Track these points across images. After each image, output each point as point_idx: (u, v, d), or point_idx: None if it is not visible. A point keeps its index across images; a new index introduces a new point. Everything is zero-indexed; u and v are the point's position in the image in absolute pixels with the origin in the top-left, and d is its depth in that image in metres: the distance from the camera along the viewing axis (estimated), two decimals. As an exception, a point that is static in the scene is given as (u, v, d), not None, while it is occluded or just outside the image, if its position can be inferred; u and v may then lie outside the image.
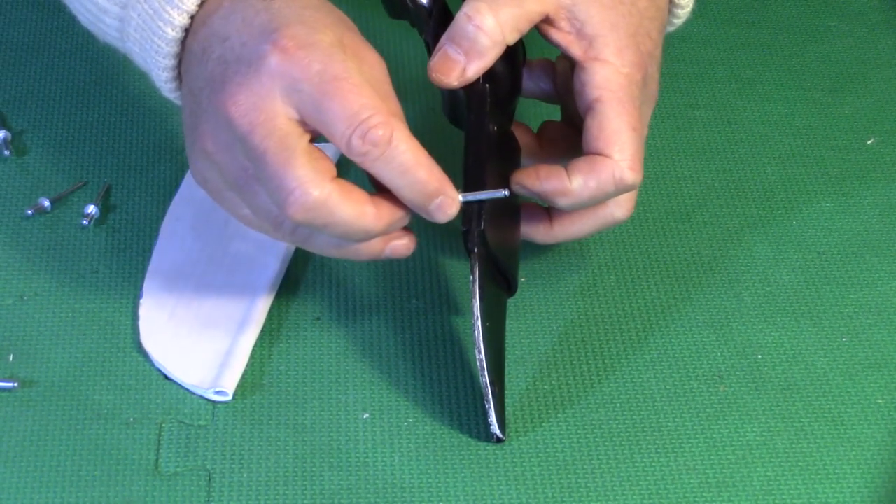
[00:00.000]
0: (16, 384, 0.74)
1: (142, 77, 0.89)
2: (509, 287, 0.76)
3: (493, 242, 0.72)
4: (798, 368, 0.77)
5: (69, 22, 0.93)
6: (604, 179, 0.71)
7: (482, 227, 0.71)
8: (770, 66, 0.95)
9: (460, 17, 0.71)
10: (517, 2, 0.71)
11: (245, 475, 0.71)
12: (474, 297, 0.71)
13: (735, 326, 0.79)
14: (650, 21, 0.74)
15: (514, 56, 0.76)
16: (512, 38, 0.72)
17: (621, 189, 0.72)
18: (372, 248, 0.71)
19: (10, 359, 0.75)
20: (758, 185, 0.87)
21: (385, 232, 0.70)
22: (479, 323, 0.71)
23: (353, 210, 0.68)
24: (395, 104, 0.69)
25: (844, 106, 0.92)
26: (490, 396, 0.71)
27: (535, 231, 0.76)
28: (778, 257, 0.83)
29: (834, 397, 0.76)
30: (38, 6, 0.95)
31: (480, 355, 0.71)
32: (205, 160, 0.70)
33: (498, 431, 0.72)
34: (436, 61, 0.72)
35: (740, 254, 0.83)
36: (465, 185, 0.72)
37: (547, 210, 0.76)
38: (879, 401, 0.76)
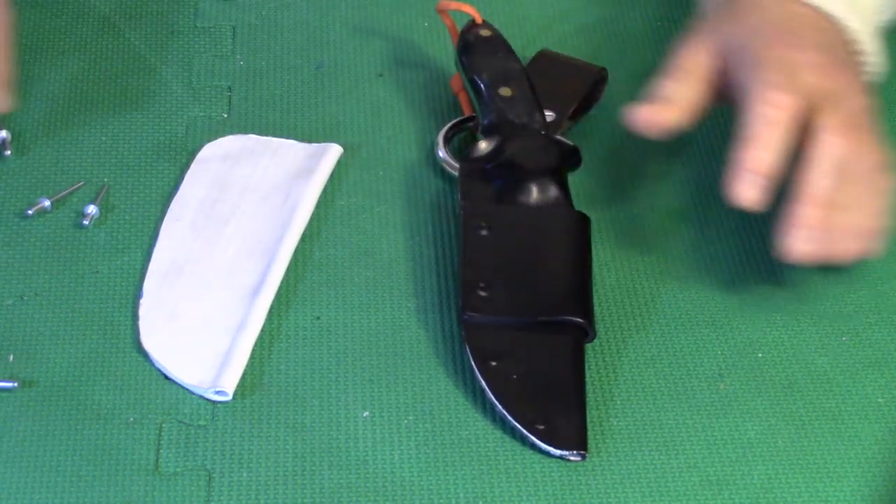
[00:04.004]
0: (16, 384, 0.74)
1: (142, 77, 0.89)
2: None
3: (516, 370, 0.74)
4: (798, 367, 0.77)
5: (69, 22, 0.94)
6: (752, 107, 0.75)
7: (465, 316, 0.75)
8: (770, 66, 0.94)
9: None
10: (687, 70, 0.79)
11: (245, 475, 0.71)
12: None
13: (736, 325, 0.79)
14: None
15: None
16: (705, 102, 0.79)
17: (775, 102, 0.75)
18: None
19: (10, 359, 0.75)
20: (758, 185, 0.87)
21: None
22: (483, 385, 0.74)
23: None
24: None
25: (844, 106, 0.92)
26: (530, 435, 0.72)
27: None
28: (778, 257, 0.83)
29: (834, 396, 0.76)
30: (38, 6, 0.95)
31: (499, 407, 0.73)
32: None
33: (567, 453, 0.72)
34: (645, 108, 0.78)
35: (740, 253, 0.83)
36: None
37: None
38: (879, 399, 0.76)
